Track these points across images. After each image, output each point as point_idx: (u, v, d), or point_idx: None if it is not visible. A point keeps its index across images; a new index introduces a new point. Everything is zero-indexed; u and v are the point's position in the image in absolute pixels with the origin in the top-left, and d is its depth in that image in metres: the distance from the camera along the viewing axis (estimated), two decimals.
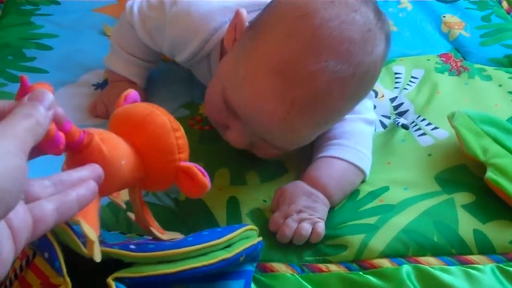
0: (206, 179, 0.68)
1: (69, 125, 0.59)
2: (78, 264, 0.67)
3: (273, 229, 0.87)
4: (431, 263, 0.84)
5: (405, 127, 1.04)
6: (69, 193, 0.55)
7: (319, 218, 0.87)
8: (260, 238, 0.79)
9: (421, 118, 1.08)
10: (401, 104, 1.12)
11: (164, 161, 0.68)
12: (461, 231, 0.88)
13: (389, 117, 1.09)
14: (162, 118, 0.68)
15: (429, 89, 1.14)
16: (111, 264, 0.66)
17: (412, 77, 1.18)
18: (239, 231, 0.75)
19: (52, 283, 0.66)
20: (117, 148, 0.64)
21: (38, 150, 0.55)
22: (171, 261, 0.67)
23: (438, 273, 0.82)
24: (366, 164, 0.95)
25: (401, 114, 1.09)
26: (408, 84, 1.16)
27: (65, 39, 1.26)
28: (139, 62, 1.10)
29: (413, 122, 1.07)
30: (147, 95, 1.11)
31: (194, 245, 0.69)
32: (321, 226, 0.86)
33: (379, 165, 0.99)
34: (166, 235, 0.76)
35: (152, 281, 0.66)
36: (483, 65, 1.22)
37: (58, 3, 1.38)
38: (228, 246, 0.73)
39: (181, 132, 0.69)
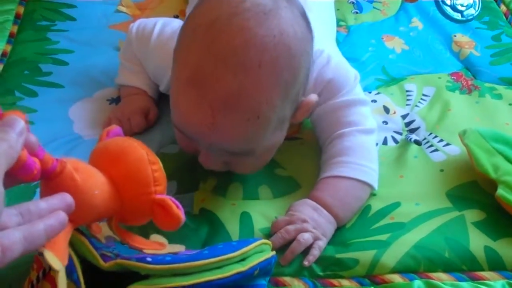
0: (180, 212, 0.69)
1: (42, 153, 0.60)
2: (95, 276, 0.68)
3: (273, 231, 0.88)
4: (442, 279, 0.85)
5: (417, 142, 1.05)
6: (37, 224, 0.56)
7: (322, 235, 0.88)
8: (274, 253, 0.80)
9: (432, 135, 1.08)
10: (413, 121, 1.12)
11: (139, 193, 0.69)
12: (472, 247, 0.88)
13: (401, 133, 1.09)
14: (139, 151, 0.70)
15: (440, 106, 1.15)
16: (127, 276, 0.67)
17: (424, 94, 1.19)
18: (253, 245, 0.76)
19: None
20: (90, 177, 0.66)
21: (13, 177, 0.56)
22: (186, 273, 0.68)
23: None
24: (371, 176, 0.95)
25: (412, 130, 1.10)
26: (419, 102, 1.17)
27: (80, 54, 1.27)
28: (146, 72, 1.12)
29: (425, 139, 1.08)
30: (162, 110, 1.12)
31: (209, 258, 0.70)
32: (320, 246, 0.87)
33: (391, 179, 1.00)
34: (166, 249, 0.77)
35: None
36: (493, 84, 1.23)
37: (74, 19, 1.39)
38: (243, 260, 0.74)
39: (158, 165, 0.71)
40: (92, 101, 1.16)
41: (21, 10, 1.41)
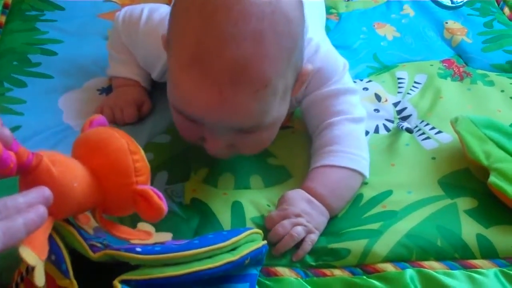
0: (162, 202, 0.68)
1: (17, 146, 0.60)
2: (84, 266, 0.68)
3: (269, 227, 0.87)
4: (434, 267, 0.85)
5: (409, 130, 1.04)
6: (15, 219, 0.56)
7: (315, 228, 0.87)
8: (265, 242, 0.80)
9: (424, 123, 1.08)
10: (405, 108, 1.12)
11: (120, 184, 0.68)
12: (464, 235, 0.88)
13: (392, 121, 1.09)
14: (120, 141, 0.69)
15: (432, 94, 1.15)
16: (118, 266, 0.67)
17: (415, 82, 1.19)
18: (244, 234, 0.75)
19: (59, 285, 0.66)
20: (68, 170, 0.65)
21: None
22: (177, 263, 0.68)
23: (441, 277, 0.83)
24: (361, 164, 0.94)
25: (404, 118, 1.10)
26: (411, 89, 1.16)
27: (69, 44, 1.26)
28: (136, 62, 1.11)
29: (417, 126, 1.07)
30: (154, 100, 1.12)
31: (200, 248, 0.69)
32: (312, 239, 0.86)
33: (383, 167, 1.00)
34: (153, 238, 0.76)
35: (158, 283, 0.66)
36: (485, 71, 1.23)
37: (63, 9, 1.38)
38: (234, 249, 0.73)
39: (140, 155, 0.70)
40: (81, 91, 1.15)
41: (9, 0, 1.40)
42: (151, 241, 0.74)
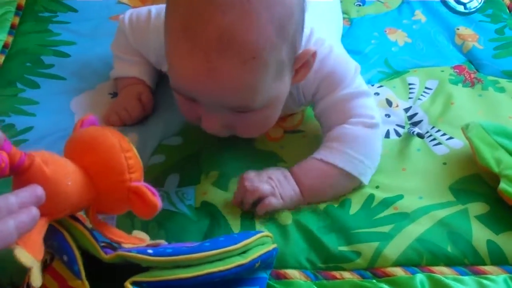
0: (156, 199, 0.68)
1: (9, 147, 0.60)
2: (96, 267, 0.68)
3: (239, 181, 0.90)
4: (444, 272, 0.85)
5: (420, 136, 1.04)
6: (7, 221, 0.56)
7: (281, 197, 0.89)
8: (275, 245, 0.80)
9: (435, 128, 1.08)
10: (415, 114, 1.12)
11: (113, 182, 0.69)
12: (475, 241, 0.88)
13: (403, 127, 1.09)
14: (112, 139, 0.69)
15: (443, 100, 1.14)
16: (129, 268, 0.67)
17: (426, 87, 1.18)
18: (254, 237, 0.76)
19: (70, 286, 0.67)
20: (61, 169, 0.65)
21: None
22: (188, 265, 0.68)
23: (451, 282, 0.82)
24: (358, 168, 0.93)
25: (415, 124, 1.10)
26: (422, 95, 1.16)
27: (82, 46, 1.27)
28: (142, 61, 1.12)
29: (427, 132, 1.07)
30: (158, 100, 1.12)
31: (211, 250, 0.70)
32: (271, 202, 0.88)
33: (394, 172, 1.00)
34: (146, 242, 0.76)
35: (169, 285, 0.67)
36: (496, 77, 1.22)
37: (76, 11, 1.39)
38: (244, 252, 0.74)
39: (132, 152, 0.70)
40: (94, 94, 1.16)
41: (23, 1, 1.42)
42: (143, 245, 0.75)
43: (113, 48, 1.16)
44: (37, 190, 0.60)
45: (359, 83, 1.00)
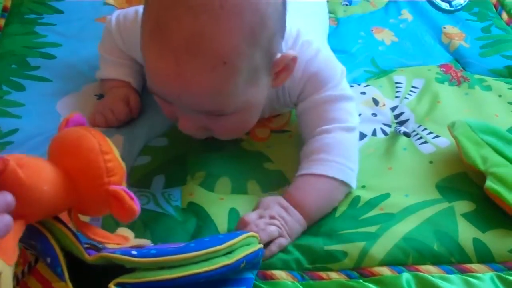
0: (134, 203, 0.67)
1: None
2: (80, 269, 0.68)
3: (240, 228, 0.86)
4: (430, 271, 0.85)
5: (406, 134, 1.04)
6: None
7: (288, 235, 0.87)
8: (261, 245, 0.80)
9: (422, 127, 1.08)
10: (402, 113, 1.12)
11: (92, 185, 0.67)
12: (461, 239, 0.88)
13: (390, 126, 1.09)
14: (91, 141, 0.68)
15: (429, 98, 1.15)
16: (113, 269, 0.67)
17: (413, 86, 1.19)
18: (240, 237, 0.75)
19: None
20: (37, 173, 0.64)
21: None
22: (172, 266, 0.68)
23: (437, 281, 0.83)
24: (348, 175, 0.93)
25: (402, 123, 1.10)
26: (408, 94, 1.17)
27: (68, 48, 1.26)
28: (128, 64, 1.12)
29: (414, 131, 1.07)
30: (144, 101, 1.12)
31: (196, 251, 0.69)
32: (281, 243, 0.86)
33: (380, 171, 1.00)
34: (130, 243, 0.76)
35: (154, 286, 0.67)
36: (483, 76, 1.23)
37: (62, 12, 1.39)
38: (229, 253, 0.74)
39: (112, 155, 0.69)
40: (80, 95, 1.15)
41: (9, 3, 1.41)
42: (128, 245, 0.74)
43: (100, 49, 1.15)
44: (7, 197, 0.59)
45: (343, 86, 1.00)
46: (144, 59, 0.85)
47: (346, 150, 0.94)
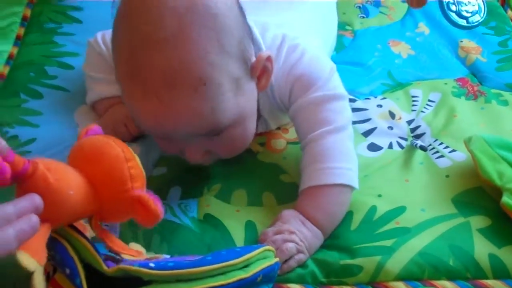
0: (158, 207, 0.68)
1: (12, 156, 0.60)
2: (98, 279, 0.68)
3: (261, 241, 0.87)
4: (446, 286, 0.84)
5: (423, 148, 1.04)
6: (6, 229, 0.57)
7: (307, 250, 0.87)
8: (277, 259, 0.80)
9: (438, 141, 1.08)
10: (418, 126, 1.12)
11: (116, 191, 0.69)
12: (477, 255, 0.88)
13: (406, 139, 1.09)
14: (115, 149, 0.70)
15: (446, 112, 1.15)
16: (130, 281, 0.67)
17: (429, 100, 1.19)
18: (257, 251, 0.76)
19: None
20: (64, 177, 0.65)
21: None
22: (189, 279, 0.68)
23: None
24: (348, 177, 0.92)
25: (418, 136, 1.10)
26: (425, 107, 1.16)
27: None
28: None
29: (430, 145, 1.07)
30: None
31: (212, 264, 0.70)
32: (300, 259, 0.86)
33: (397, 183, 1.00)
34: (145, 256, 0.77)
35: None
36: (499, 90, 1.22)
37: (80, 22, 1.40)
38: (246, 266, 0.74)
39: (135, 161, 0.70)
40: None
41: (28, 12, 1.42)
42: (145, 257, 0.76)
43: (86, 69, 1.13)
44: (36, 199, 0.61)
45: (334, 84, 0.98)
46: (127, 103, 0.86)
47: (338, 153, 0.93)
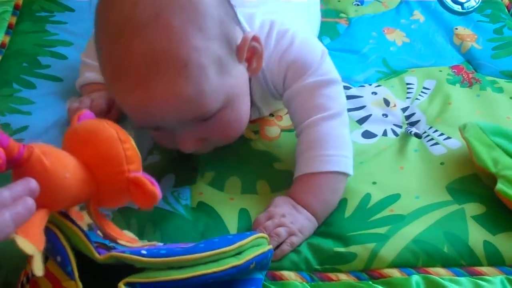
0: (155, 188, 0.68)
1: (7, 140, 0.60)
2: (90, 268, 0.68)
3: (254, 228, 0.87)
4: (440, 274, 0.84)
5: (417, 135, 1.04)
6: (3, 213, 0.57)
7: (299, 231, 0.87)
8: (270, 246, 0.80)
9: (433, 129, 1.08)
10: (413, 114, 1.12)
11: (112, 173, 0.69)
12: (471, 242, 0.88)
13: (400, 127, 1.09)
14: (109, 130, 0.69)
15: (441, 100, 1.14)
16: (122, 269, 0.67)
17: (424, 87, 1.18)
18: (249, 238, 0.75)
19: (64, 287, 0.66)
20: (60, 161, 0.65)
21: None
22: (182, 267, 0.68)
23: (447, 283, 0.82)
24: (343, 164, 0.92)
25: (412, 124, 1.10)
26: (420, 95, 1.16)
27: (79, 47, 1.26)
28: None
29: (425, 132, 1.07)
30: None
31: (205, 251, 0.69)
32: (292, 241, 0.86)
33: (392, 170, 1.00)
34: (139, 243, 0.76)
35: (163, 286, 0.66)
36: (495, 77, 1.22)
37: (73, 10, 1.39)
38: (239, 254, 0.73)
39: (130, 143, 0.70)
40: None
41: (20, 1, 1.41)
42: (138, 245, 0.75)
43: (83, 56, 1.14)
44: (31, 183, 0.61)
45: (326, 69, 0.98)
46: (116, 99, 0.86)
47: (335, 140, 0.93)
